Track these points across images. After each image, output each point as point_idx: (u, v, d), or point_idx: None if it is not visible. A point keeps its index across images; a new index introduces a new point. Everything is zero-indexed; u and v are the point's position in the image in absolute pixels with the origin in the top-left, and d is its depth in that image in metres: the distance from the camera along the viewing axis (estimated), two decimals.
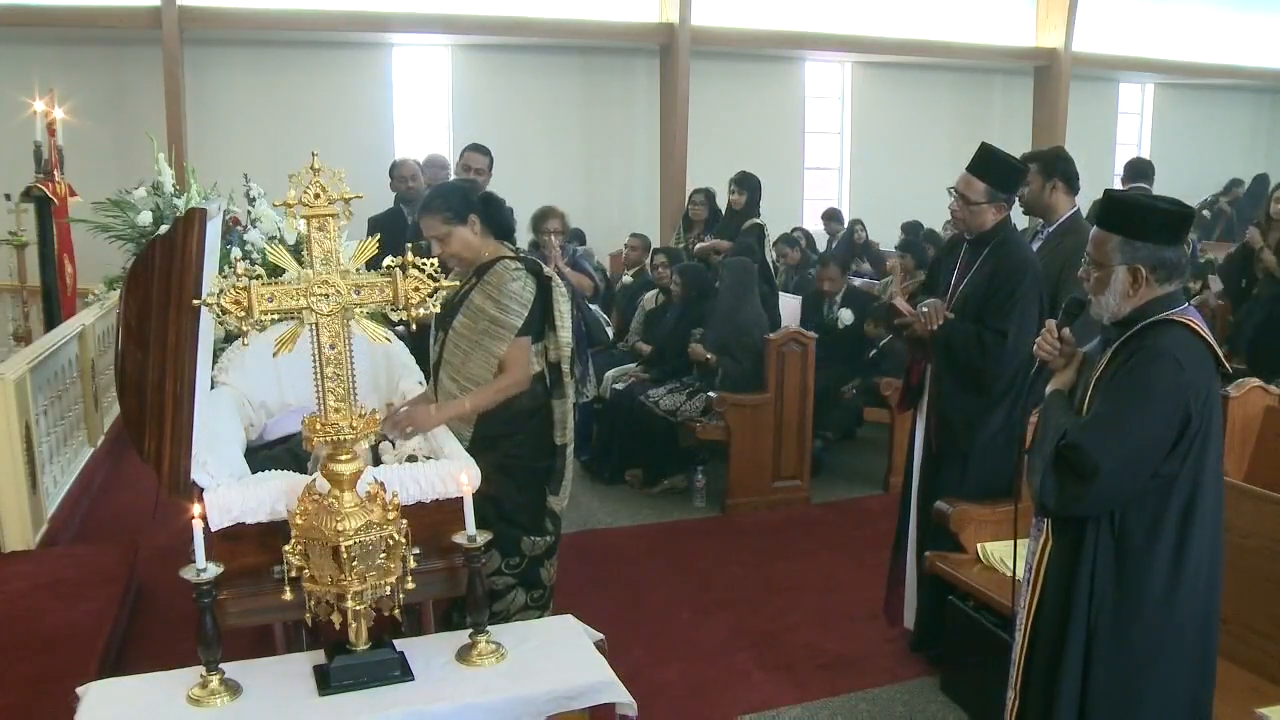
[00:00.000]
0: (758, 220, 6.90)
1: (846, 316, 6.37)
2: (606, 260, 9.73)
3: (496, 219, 3.52)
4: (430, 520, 2.74)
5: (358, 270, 2.41)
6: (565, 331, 3.48)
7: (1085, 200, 4.36)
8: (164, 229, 3.26)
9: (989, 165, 3.59)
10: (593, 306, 5.82)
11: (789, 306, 6.95)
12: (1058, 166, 4.02)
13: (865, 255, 9.90)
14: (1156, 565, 2.23)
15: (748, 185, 6.92)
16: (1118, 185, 6.32)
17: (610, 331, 6.87)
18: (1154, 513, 2.23)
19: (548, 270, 3.53)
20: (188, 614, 2.46)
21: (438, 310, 2.47)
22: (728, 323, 5.81)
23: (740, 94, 12.19)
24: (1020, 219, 5.72)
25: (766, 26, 11.65)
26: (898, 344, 5.78)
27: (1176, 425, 2.17)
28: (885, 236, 10.69)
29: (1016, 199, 4.03)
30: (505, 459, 3.32)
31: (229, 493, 2.65)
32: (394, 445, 3.38)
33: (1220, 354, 2.26)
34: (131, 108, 9.83)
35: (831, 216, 11.23)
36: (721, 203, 7.24)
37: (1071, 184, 4.04)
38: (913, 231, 9.51)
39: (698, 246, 6.92)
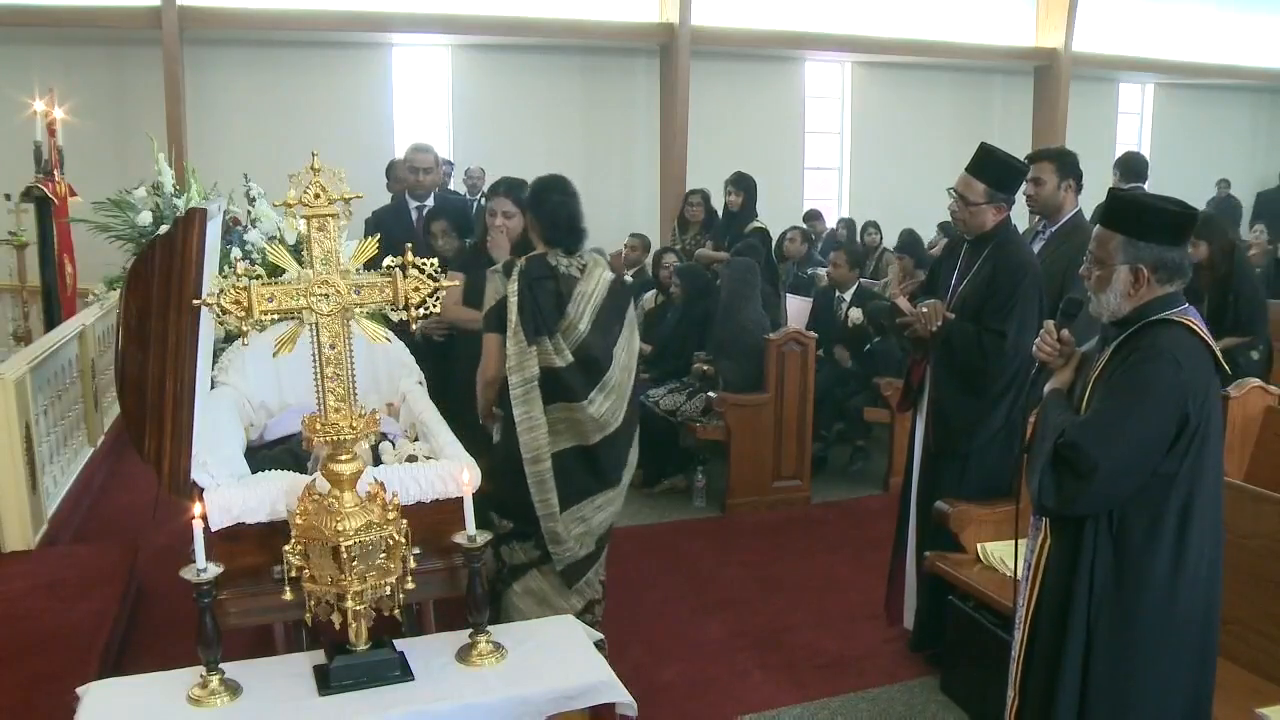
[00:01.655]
0: (759, 223, 6.91)
1: (856, 315, 6.36)
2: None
3: (540, 223, 3.50)
4: (430, 520, 2.74)
5: (358, 270, 2.41)
6: (550, 339, 3.38)
7: (1085, 200, 4.36)
8: (164, 229, 3.26)
9: (988, 166, 3.59)
10: None
11: (796, 307, 6.95)
12: (1073, 168, 4.05)
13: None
14: (1156, 564, 2.23)
15: (744, 186, 6.92)
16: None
17: None
18: (1153, 512, 2.23)
19: (512, 279, 3.42)
20: (188, 614, 2.46)
21: (438, 310, 2.47)
22: (727, 322, 5.81)
23: (740, 94, 12.19)
24: (1020, 219, 5.71)
25: (766, 26, 11.65)
26: (890, 344, 5.82)
27: (1175, 424, 2.17)
28: (885, 237, 10.68)
29: (1024, 198, 4.04)
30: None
31: (229, 493, 2.66)
32: (394, 445, 3.38)
33: (1219, 354, 2.26)
34: (131, 108, 9.83)
35: (814, 216, 11.13)
36: (717, 203, 7.23)
37: (1080, 184, 4.06)
38: (909, 237, 9.44)
39: (698, 252, 6.92)
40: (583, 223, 3.55)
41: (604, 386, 3.45)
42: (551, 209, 3.48)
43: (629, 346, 3.57)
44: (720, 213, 7.21)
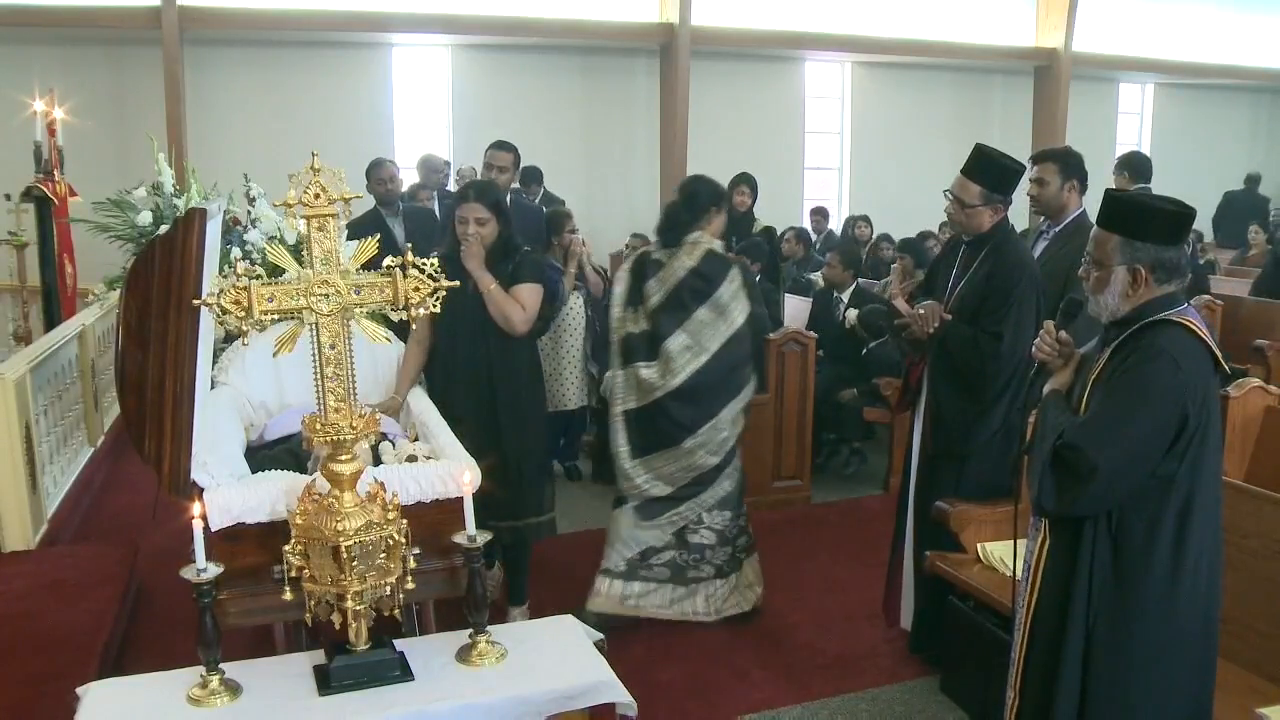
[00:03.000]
0: (764, 224, 6.95)
1: (853, 316, 6.36)
2: (607, 260, 9.73)
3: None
4: (430, 520, 2.74)
5: (357, 270, 2.41)
6: (634, 310, 4.08)
7: (1087, 200, 4.36)
8: (164, 229, 3.26)
9: (983, 167, 3.58)
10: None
11: (795, 308, 6.95)
12: (1076, 169, 4.02)
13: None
14: (1155, 565, 2.23)
15: (755, 186, 6.98)
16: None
17: None
18: (1152, 512, 2.23)
19: (625, 261, 4.27)
20: (188, 614, 2.46)
21: (436, 310, 2.48)
22: None
23: (740, 94, 12.18)
24: (1021, 220, 5.68)
25: (766, 26, 11.65)
26: (889, 348, 5.81)
27: (1174, 425, 2.17)
28: (882, 231, 10.67)
29: (1029, 198, 4.02)
30: None
31: (229, 493, 2.66)
32: (394, 445, 3.39)
33: (1218, 354, 2.27)
34: (131, 108, 9.83)
35: (820, 214, 11.12)
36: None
37: (1085, 185, 4.04)
38: (920, 241, 9.45)
39: None
40: (681, 224, 4.05)
41: (661, 355, 3.98)
42: (664, 209, 4.24)
43: (713, 328, 3.97)
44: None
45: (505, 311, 3.87)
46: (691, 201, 4.06)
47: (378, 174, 6.11)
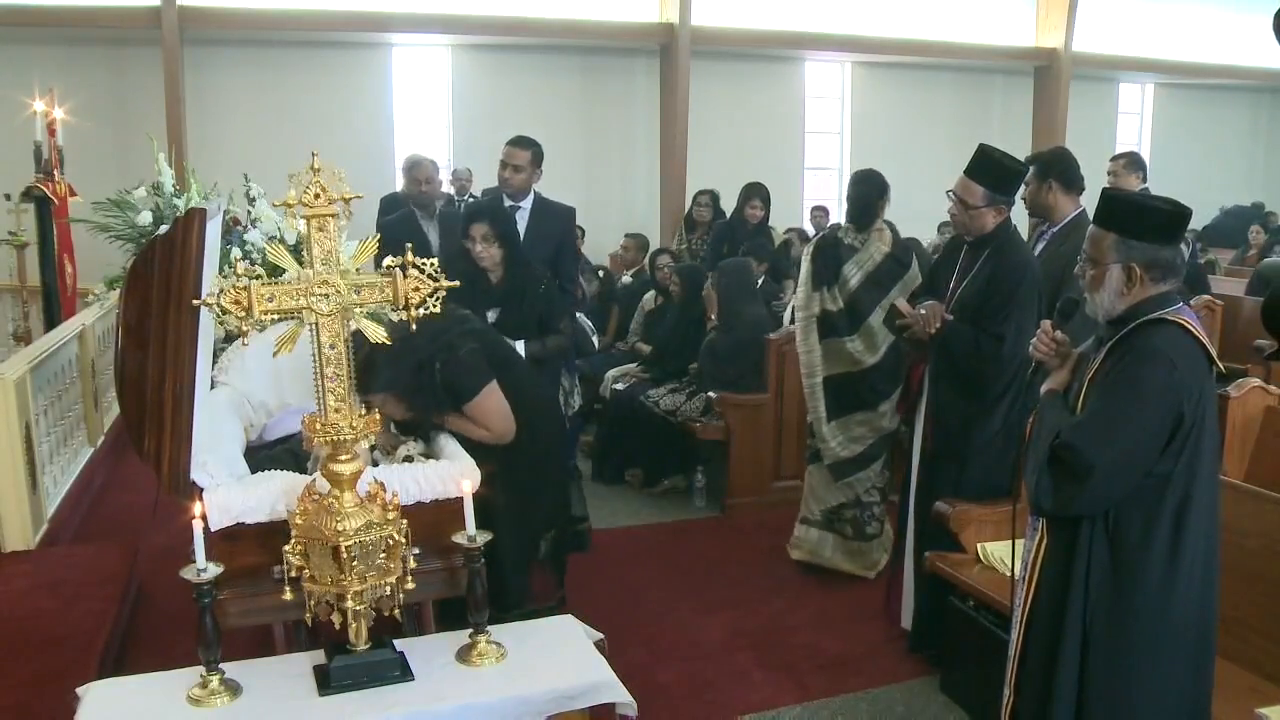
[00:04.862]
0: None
1: None
2: (606, 260, 9.74)
3: (846, 204, 4.66)
4: (430, 520, 2.74)
5: (357, 270, 2.41)
6: (828, 290, 4.45)
7: (1087, 200, 4.36)
8: (164, 229, 3.26)
9: (986, 168, 3.58)
10: (578, 315, 5.74)
11: None
12: (1054, 167, 4.01)
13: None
14: (1151, 564, 2.23)
15: (766, 199, 6.90)
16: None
17: (596, 340, 6.82)
18: (1148, 512, 2.23)
19: (810, 246, 4.67)
20: (188, 614, 2.46)
21: (437, 310, 2.47)
22: (729, 324, 5.80)
23: (740, 94, 12.19)
24: (1023, 222, 5.68)
25: (766, 26, 11.66)
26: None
27: (1169, 424, 2.18)
28: None
29: (1020, 199, 4.03)
30: None
31: (229, 493, 2.66)
32: (385, 455, 3.36)
33: (1213, 354, 2.27)
34: (131, 108, 9.83)
35: (821, 212, 11.10)
36: (726, 205, 7.21)
37: (1069, 184, 4.01)
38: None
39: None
40: (874, 209, 4.49)
41: (864, 331, 4.39)
42: (851, 196, 4.56)
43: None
44: (731, 220, 7.14)
45: (471, 438, 3.31)
46: (875, 190, 4.51)
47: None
